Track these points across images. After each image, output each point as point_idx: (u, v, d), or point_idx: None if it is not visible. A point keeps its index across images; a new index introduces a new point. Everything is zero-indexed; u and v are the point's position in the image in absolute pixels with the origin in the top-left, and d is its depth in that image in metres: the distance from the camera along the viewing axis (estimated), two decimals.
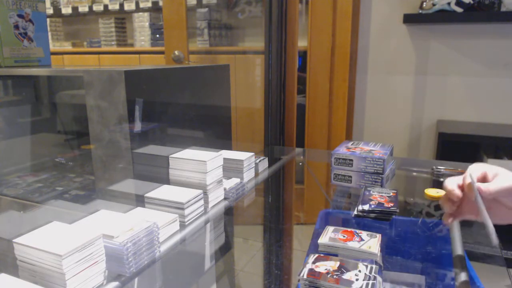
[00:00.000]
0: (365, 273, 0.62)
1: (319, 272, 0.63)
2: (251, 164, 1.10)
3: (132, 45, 3.06)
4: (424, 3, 1.93)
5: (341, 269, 0.64)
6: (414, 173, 1.31)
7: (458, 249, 0.74)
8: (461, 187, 0.69)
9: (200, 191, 0.86)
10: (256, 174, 1.14)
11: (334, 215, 1.04)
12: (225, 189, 0.95)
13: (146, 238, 0.66)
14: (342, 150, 1.12)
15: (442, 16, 1.91)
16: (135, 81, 0.83)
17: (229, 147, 1.18)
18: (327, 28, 2.09)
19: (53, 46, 3.26)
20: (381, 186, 1.06)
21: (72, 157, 1.35)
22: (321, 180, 1.43)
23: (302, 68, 2.26)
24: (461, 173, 0.83)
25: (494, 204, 0.67)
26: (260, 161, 1.17)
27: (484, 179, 0.69)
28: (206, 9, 2.58)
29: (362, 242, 0.74)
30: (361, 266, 0.65)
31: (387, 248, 0.77)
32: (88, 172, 1.23)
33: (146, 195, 0.83)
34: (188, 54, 2.21)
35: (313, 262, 0.66)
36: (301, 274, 0.63)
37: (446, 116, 2.09)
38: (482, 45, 1.96)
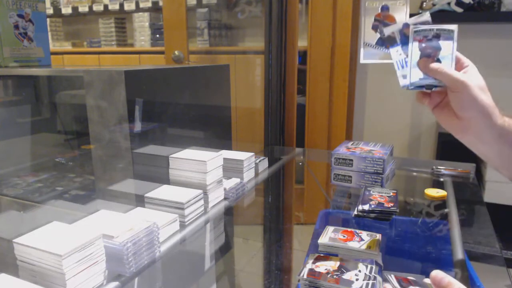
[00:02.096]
0: (365, 273, 0.62)
1: (319, 272, 0.63)
2: (251, 164, 1.10)
3: (132, 45, 3.06)
4: (424, 3, 1.92)
5: (341, 269, 0.64)
6: (414, 173, 1.31)
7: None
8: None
9: (200, 191, 0.86)
10: (256, 174, 1.14)
11: (334, 215, 1.04)
12: (225, 189, 0.95)
13: (146, 238, 0.66)
14: (342, 150, 1.12)
15: (442, 16, 1.90)
16: (135, 81, 0.83)
17: (229, 147, 1.18)
18: (327, 28, 2.09)
19: (53, 46, 3.26)
20: (381, 186, 1.06)
21: (72, 157, 1.35)
22: (321, 180, 1.43)
23: (302, 64, 2.26)
24: (462, 173, 0.84)
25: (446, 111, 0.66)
26: (260, 161, 1.17)
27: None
28: (206, 9, 2.58)
29: (362, 242, 0.74)
30: (361, 266, 0.65)
31: (387, 248, 0.77)
32: (88, 172, 1.23)
33: (146, 195, 0.83)
34: (188, 54, 2.21)
35: (313, 262, 0.66)
36: (301, 274, 0.63)
37: None
38: (482, 45, 1.96)
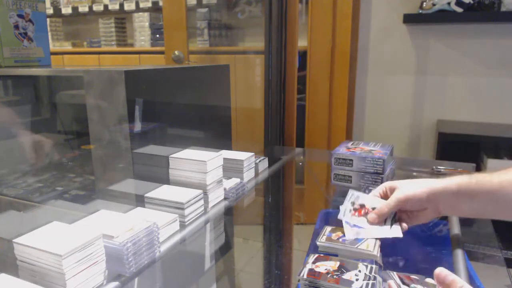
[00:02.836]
0: (365, 273, 0.62)
1: (319, 272, 0.63)
2: (251, 164, 1.10)
3: (132, 45, 3.06)
4: (424, 3, 1.93)
5: (341, 269, 0.64)
6: (414, 173, 1.31)
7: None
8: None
9: (200, 191, 0.86)
10: (256, 174, 1.14)
11: (334, 215, 1.04)
12: (225, 189, 0.95)
13: (146, 238, 0.66)
14: (342, 150, 1.12)
15: (442, 16, 1.90)
16: (135, 81, 0.83)
17: (229, 147, 1.18)
18: (327, 28, 2.09)
19: (53, 46, 3.26)
20: None
21: (72, 157, 1.35)
22: (321, 180, 1.43)
23: (302, 67, 2.26)
24: (462, 173, 0.84)
25: (407, 213, 0.77)
26: (260, 161, 1.17)
27: (385, 196, 0.78)
28: (206, 9, 2.58)
29: (360, 242, 0.74)
30: (361, 266, 0.65)
31: (387, 248, 0.77)
32: (88, 172, 1.23)
33: (146, 195, 0.83)
34: (188, 54, 2.21)
35: (313, 262, 0.66)
36: (301, 274, 0.63)
37: (446, 116, 2.09)
38: (482, 45, 1.96)
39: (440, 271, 0.51)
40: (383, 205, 0.75)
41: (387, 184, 0.79)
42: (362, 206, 0.80)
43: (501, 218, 0.69)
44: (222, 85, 1.22)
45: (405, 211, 0.77)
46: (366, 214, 0.78)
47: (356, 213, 0.79)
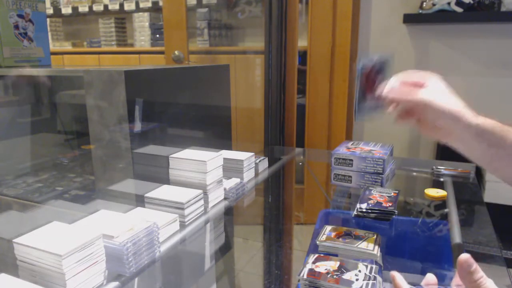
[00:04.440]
0: (365, 273, 0.62)
1: (319, 272, 0.63)
2: (251, 164, 1.10)
3: (132, 45, 3.06)
4: (424, 3, 1.92)
5: (341, 269, 0.64)
6: (414, 173, 1.31)
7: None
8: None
9: (200, 191, 0.86)
10: (256, 174, 1.14)
11: (334, 215, 1.04)
12: (225, 189, 0.95)
13: (146, 238, 0.66)
14: (342, 150, 1.12)
15: (442, 16, 1.90)
16: (135, 81, 0.83)
17: (229, 147, 1.18)
18: (327, 28, 2.09)
19: (53, 46, 3.26)
20: (381, 186, 1.06)
21: (72, 157, 1.35)
22: (321, 180, 1.43)
23: (302, 66, 2.26)
24: (462, 173, 0.84)
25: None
26: (260, 161, 1.17)
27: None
28: (206, 9, 2.58)
29: (359, 241, 0.74)
30: (361, 266, 0.65)
31: (387, 248, 0.77)
32: (88, 172, 1.23)
33: (146, 195, 0.83)
34: (188, 54, 2.22)
35: (313, 262, 0.66)
36: (301, 274, 0.63)
37: None
38: (482, 45, 1.96)
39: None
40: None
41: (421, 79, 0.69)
42: None
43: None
44: (222, 85, 1.22)
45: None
46: None
47: None
